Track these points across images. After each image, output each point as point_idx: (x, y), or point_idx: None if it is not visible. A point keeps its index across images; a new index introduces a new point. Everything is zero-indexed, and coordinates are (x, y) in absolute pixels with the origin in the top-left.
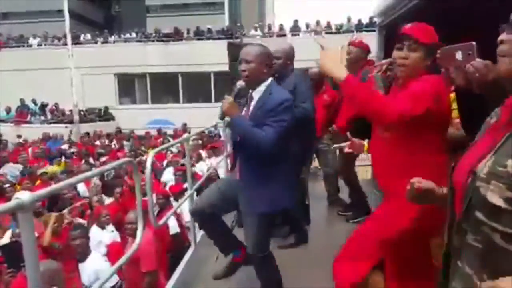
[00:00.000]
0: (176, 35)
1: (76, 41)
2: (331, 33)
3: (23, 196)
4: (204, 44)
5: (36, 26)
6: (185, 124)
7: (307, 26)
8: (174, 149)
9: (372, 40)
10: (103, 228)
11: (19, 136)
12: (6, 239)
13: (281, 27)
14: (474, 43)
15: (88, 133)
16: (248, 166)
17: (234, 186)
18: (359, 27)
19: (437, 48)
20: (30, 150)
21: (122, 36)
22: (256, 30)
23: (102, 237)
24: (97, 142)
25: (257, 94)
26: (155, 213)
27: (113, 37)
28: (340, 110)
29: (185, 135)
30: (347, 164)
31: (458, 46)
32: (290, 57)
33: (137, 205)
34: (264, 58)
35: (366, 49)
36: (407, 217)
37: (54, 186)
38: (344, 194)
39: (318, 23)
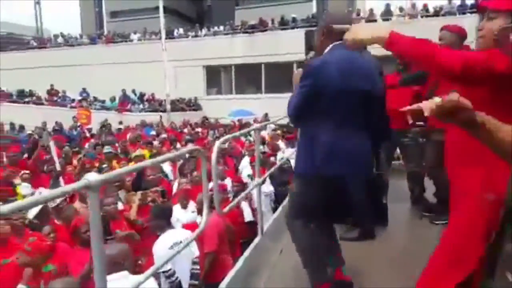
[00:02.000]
0: (261, 26)
1: (169, 35)
2: (428, 16)
3: (90, 177)
4: (287, 34)
5: (138, 22)
6: (266, 114)
7: (401, 9)
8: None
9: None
10: (184, 207)
11: (120, 123)
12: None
13: (371, 12)
14: None
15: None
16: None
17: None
18: (462, 8)
19: None
20: (128, 135)
21: (211, 29)
22: None
23: (180, 216)
24: (185, 130)
25: None
26: (230, 199)
27: (203, 30)
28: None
29: (255, 125)
30: (439, 160)
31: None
32: None
33: (203, 191)
34: (322, 27)
35: (462, 34)
36: (482, 219)
37: (120, 170)
38: (429, 193)
39: (413, 6)
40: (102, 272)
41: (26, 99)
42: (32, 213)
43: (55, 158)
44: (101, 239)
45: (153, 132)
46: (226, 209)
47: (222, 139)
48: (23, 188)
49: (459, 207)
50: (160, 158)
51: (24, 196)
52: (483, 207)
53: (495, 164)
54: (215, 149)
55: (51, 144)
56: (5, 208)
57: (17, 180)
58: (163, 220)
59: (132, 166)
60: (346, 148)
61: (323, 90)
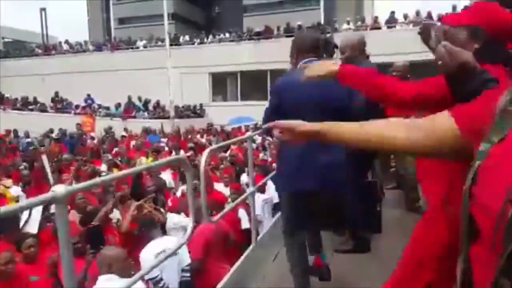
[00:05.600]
0: (266, 33)
1: (175, 42)
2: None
3: (58, 189)
4: None
5: (146, 29)
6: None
7: (405, 17)
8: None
9: None
10: (179, 213)
11: (125, 130)
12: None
13: (376, 20)
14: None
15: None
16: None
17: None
18: None
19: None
20: (132, 142)
21: (217, 36)
22: (348, 24)
23: (183, 222)
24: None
25: None
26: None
27: (210, 37)
28: None
29: (248, 133)
30: None
31: (433, 23)
32: (356, 49)
33: (189, 200)
34: (292, 48)
35: None
36: (436, 229)
37: (89, 182)
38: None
39: (418, 13)
40: (72, 282)
41: (30, 107)
42: (34, 228)
43: (48, 171)
44: (70, 250)
45: (163, 140)
46: (215, 218)
47: (208, 149)
48: (14, 191)
49: (423, 217)
50: (132, 169)
51: (17, 198)
52: (442, 220)
53: (456, 178)
54: (203, 158)
55: (43, 158)
56: None
57: (7, 183)
58: (155, 229)
59: (102, 177)
60: (313, 164)
61: (285, 103)
